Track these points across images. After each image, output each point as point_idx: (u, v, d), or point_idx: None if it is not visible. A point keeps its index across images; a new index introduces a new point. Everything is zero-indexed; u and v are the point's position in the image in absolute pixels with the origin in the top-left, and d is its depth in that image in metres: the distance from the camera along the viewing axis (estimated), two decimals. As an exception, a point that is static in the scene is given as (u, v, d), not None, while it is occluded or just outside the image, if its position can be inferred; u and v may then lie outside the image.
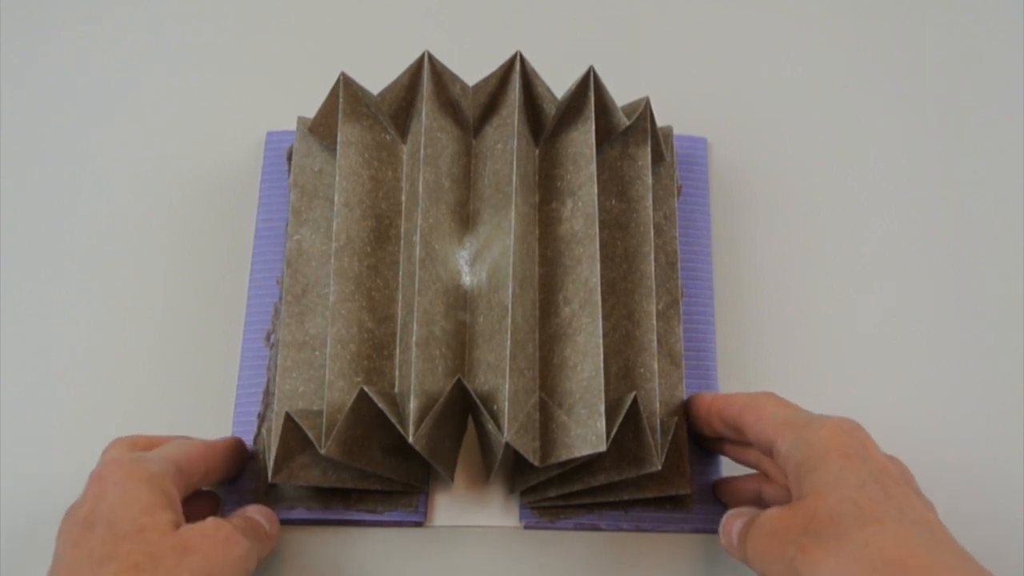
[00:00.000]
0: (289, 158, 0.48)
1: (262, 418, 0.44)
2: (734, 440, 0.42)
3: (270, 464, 0.40)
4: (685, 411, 0.44)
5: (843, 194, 0.53)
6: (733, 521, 0.38)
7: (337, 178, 0.43)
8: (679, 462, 0.42)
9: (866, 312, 0.50)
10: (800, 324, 0.50)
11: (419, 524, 0.43)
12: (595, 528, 0.43)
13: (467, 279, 0.43)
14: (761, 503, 0.42)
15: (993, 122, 0.55)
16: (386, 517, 0.42)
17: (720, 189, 0.52)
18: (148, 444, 0.40)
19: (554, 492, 0.42)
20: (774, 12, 0.58)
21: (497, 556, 0.43)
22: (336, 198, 0.43)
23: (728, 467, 0.44)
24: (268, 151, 0.50)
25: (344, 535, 0.43)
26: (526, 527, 0.43)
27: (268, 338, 0.46)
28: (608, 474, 0.41)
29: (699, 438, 0.44)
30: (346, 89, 0.44)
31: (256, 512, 0.40)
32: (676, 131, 0.50)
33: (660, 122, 0.48)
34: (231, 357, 0.46)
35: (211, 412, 0.45)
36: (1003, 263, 0.52)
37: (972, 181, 0.54)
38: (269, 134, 0.50)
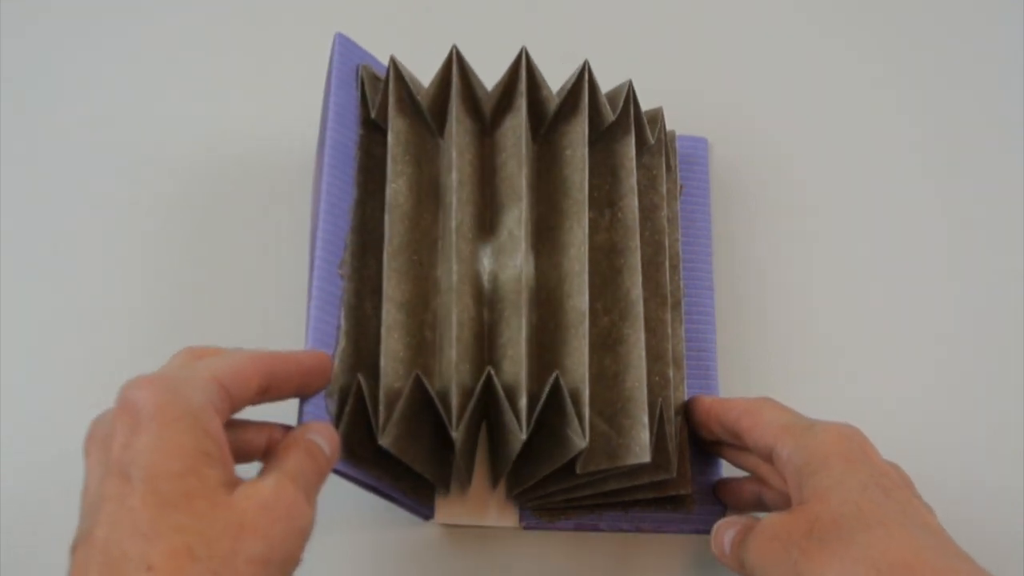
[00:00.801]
0: (360, 78, 0.46)
1: (348, 365, 0.40)
2: (732, 444, 0.42)
3: (378, 422, 0.38)
4: (685, 413, 0.44)
5: (843, 194, 0.53)
6: (725, 530, 0.39)
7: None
8: (680, 463, 0.42)
9: (866, 312, 0.50)
10: (800, 324, 0.50)
11: (428, 518, 0.42)
12: (595, 528, 0.43)
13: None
14: (762, 506, 0.42)
15: (994, 122, 0.55)
16: (407, 500, 0.41)
17: (720, 189, 0.52)
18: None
19: (561, 497, 0.42)
20: (775, 12, 0.58)
21: (497, 556, 0.43)
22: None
23: (728, 468, 0.44)
24: (337, 54, 0.45)
25: (345, 532, 0.43)
26: (526, 527, 0.43)
27: (341, 267, 0.42)
28: (620, 480, 0.41)
29: (698, 440, 0.44)
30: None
31: (318, 433, 0.34)
32: (676, 131, 0.50)
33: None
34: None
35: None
36: (1005, 264, 0.52)
37: (973, 181, 0.54)
38: (338, 35, 0.46)
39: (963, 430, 0.48)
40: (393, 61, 0.44)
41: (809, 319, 0.50)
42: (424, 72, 0.45)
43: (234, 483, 0.30)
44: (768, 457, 0.38)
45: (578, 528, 0.43)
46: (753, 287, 0.50)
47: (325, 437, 0.34)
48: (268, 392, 0.34)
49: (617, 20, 0.57)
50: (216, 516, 0.28)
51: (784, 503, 0.39)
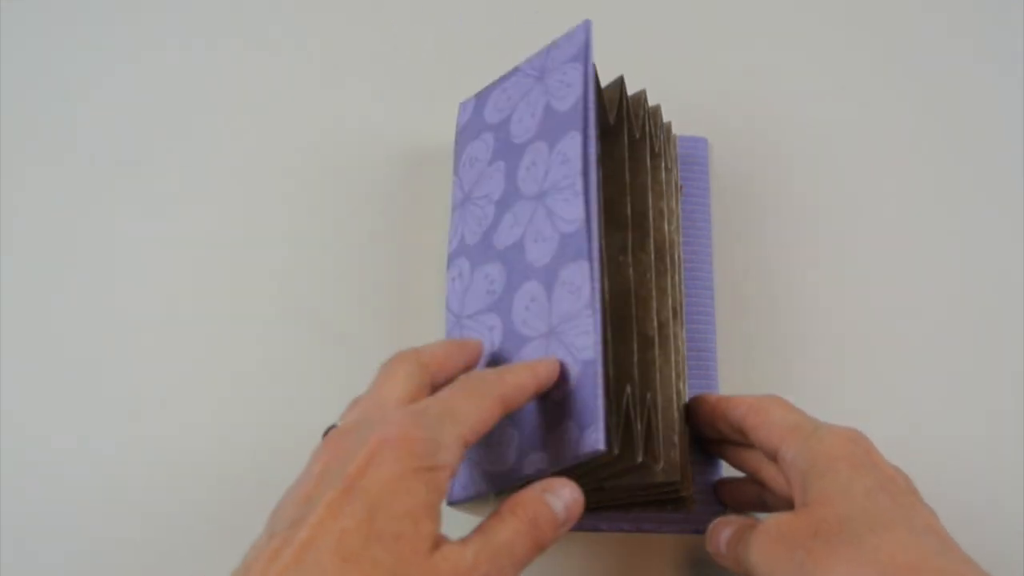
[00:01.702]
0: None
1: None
2: (736, 442, 0.42)
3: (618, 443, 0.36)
4: (687, 412, 0.44)
5: (844, 193, 0.53)
6: (721, 528, 0.39)
7: (599, 175, 0.41)
8: (681, 463, 0.42)
9: (867, 312, 0.50)
10: (800, 324, 0.50)
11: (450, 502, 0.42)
12: (595, 528, 0.43)
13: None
14: (763, 506, 0.41)
15: (994, 121, 0.55)
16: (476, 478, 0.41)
17: (720, 189, 0.52)
18: (438, 368, 0.36)
19: None
20: (775, 12, 0.58)
21: (497, 556, 0.43)
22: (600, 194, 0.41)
23: (728, 468, 0.44)
24: (591, 40, 0.43)
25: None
26: (526, 527, 0.43)
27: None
28: (632, 488, 0.41)
29: (700, 440, 0.44)
30: (596, 89, 0.43)
31: (558, 495, 0.34)
32: (677, 131, 0.50)
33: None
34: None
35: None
36: (1008, 262, 0.52)
37: (974, 179, 0.54)
38: (589, 22, 0.45)
39: (965, 430, 0.48)
40: (622, 82, 0.44)
41: (810, 319, 0.50)
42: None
43: (440, 542, 0.30)
44: (773, 456, 0.38)
45: (578, 528, 0.43)
46: (753, 287, 0.50)
47: (565, 500, 0.33)
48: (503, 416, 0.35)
49: (618, 19, 0.57)
50: (413, 564, 0.29)
51: (785, 505, 0.39)
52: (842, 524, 0.33)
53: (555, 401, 0.37)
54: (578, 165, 0.40)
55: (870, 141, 0.55)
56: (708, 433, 0.43)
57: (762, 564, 0.35)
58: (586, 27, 0.43)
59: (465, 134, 0.48)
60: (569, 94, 0.42)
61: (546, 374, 0.37)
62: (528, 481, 0.35)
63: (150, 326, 0.48)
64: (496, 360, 0.40)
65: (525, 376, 0.36)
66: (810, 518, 0.34)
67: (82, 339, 0.48)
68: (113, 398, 0.47)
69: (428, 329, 0.47)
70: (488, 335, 0.41)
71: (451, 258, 0.45)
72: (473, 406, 0.33)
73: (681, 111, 0.50)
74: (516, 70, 0.47)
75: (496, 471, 0.38)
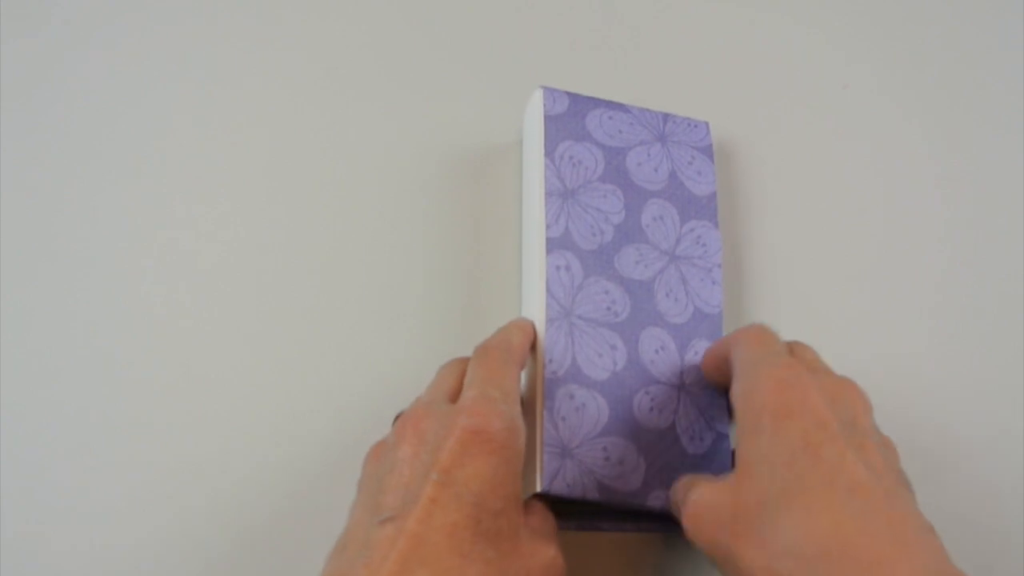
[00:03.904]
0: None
1: None
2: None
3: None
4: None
5: (845, 192, 0.53)
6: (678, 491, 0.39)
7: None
8: None
9: (869, 308, 0.50)
10: (801, 322, 0.50)
11: None
12: (597, 528, 0.43)
13: None
14: None
15: (994, 116, 0.56)
16: None
17: (721, 188, 0.52)
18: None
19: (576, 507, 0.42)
20: (777, 9, 0.58)
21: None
22: None
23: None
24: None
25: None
26: (528, 527, 0.43)
27: None
28: None
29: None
30: None
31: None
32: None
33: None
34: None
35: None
36: (1007, 258, 0.52)
37: (975, 177, 0.54)
38: (705, 124, 0.50)
39: (966, 430, 0.48)
40: None
41: (810, 317, 0.50)
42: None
43: (521, 529, 0.34)
44: None
45: (580, 528, 0.43)
46: (753, 285, 0.51)
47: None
48: None
49: (618, 19, 0.57)
50: (513, 559, 0.33)
51: None
52: (760, 505, 0.31)
53: (692, 454, 0.42)
54: (717, 259, 0.46)
55: (872, 137, 0.55)
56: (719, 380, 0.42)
57: (694, 539, 0.35)
58: (707, 127, 0.49)
59: (560, 126, 0.48)
60: (702, 183, 0.48)
61: (532, 333, 0.42)
62: (649, 511, 0.41)
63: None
64: (620, 381, 0.43)
65: (524, 340, 0.41)
66: (732, 495, 0.33)
67: (83, 339, 0.48)
68: (119, 399, 0.47)
69: (425, 329, 0.47)
70: (610, 352, 0.43)
71: (552, 243, 0.45)
72: (512, 380, 0.37)
73: (682, 109, 0.51)
74: (620, 106, 0.49)
75: (614, 487, 0.40)
